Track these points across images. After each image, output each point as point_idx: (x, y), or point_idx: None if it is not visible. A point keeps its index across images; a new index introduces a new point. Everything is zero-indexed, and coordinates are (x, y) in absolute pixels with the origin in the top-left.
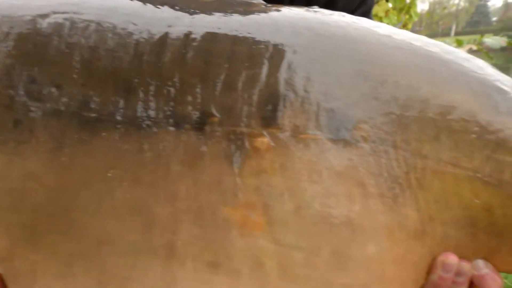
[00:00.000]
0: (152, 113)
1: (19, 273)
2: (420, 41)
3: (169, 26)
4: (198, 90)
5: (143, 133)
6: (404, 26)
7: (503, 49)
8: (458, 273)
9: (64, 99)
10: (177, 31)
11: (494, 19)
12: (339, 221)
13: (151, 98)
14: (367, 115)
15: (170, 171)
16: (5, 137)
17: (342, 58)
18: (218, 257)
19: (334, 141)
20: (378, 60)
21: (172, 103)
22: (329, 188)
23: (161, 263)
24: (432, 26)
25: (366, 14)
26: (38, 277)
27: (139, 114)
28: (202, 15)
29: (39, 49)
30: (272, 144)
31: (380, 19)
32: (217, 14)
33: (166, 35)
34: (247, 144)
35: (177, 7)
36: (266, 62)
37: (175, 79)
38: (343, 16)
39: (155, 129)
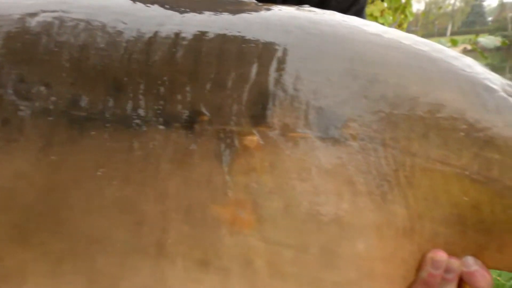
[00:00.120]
0: (141, 111)
1: (9, 272)
2: (410, 39)
3: (159, 24)
4: (187, 88)
5: (132, 131)
6: (400, 26)
7: (498, 48)
8: (448, 270)
9: (53, 98)
10: (167, 30)
11: (490, 19)
12: (328, 219)
13: (140, 96)
14: (356, 113)
15: (160, 170)
16: None
17: (332, 57)
18: (208, 255)
19: (323, 139)
20: (367, 58)
21: (161, 102)
22: (318, 186)
23: (151, 261)
24: (428, 26)
25: (359, 13)
26: (28, 276)
27: (128, 112)
28: (192, 14)
29: (28, 48)
30: (262, 142)
31: (376, 19)
32: (207, 13)
33: (156, 33)
34: (236, 142)
35: (167, 6)
36: (255, 60)
37: (165, 78)
38: (333, 14)
39: (144, 128)
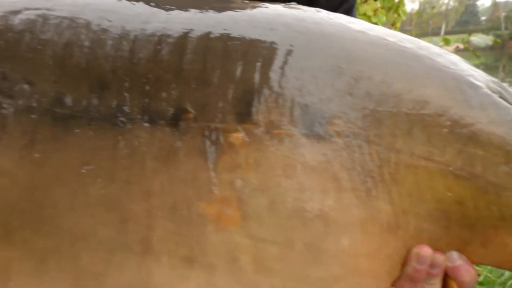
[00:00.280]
0: (126, 109)
1: None
2: (395, 37)
3: (144, 22)
4: (173, 86)
5: (117, 129)
6: (393, 25)
7: (491, 48)
8: (432, 265)
9: (36, 96)
10: (152, 28)
11: (483, 18)
12: (313, 215)
13: (125, 94)
14: (341, 110)
15: (145, 167)
16: None
17: (317, 54)
18: (194, 252)
19: (308, 136)
20: (352, 56)
21: (146, 100)
22: (303, 183)
23: (136, 259)
24: (423, 26)
25: (348, 11)
26: (12, 274)
27: (113, 110)
28: (177, 12)
29: (11, 45)
30: (247, 139)
31: (369, 18)
32: (193, 11)
33: (141, 31)
34: (221, 139)
35: (152, 4)
36: (241, 58)
37: (150, 76)
38: (319, 12)
39: (129, 126)
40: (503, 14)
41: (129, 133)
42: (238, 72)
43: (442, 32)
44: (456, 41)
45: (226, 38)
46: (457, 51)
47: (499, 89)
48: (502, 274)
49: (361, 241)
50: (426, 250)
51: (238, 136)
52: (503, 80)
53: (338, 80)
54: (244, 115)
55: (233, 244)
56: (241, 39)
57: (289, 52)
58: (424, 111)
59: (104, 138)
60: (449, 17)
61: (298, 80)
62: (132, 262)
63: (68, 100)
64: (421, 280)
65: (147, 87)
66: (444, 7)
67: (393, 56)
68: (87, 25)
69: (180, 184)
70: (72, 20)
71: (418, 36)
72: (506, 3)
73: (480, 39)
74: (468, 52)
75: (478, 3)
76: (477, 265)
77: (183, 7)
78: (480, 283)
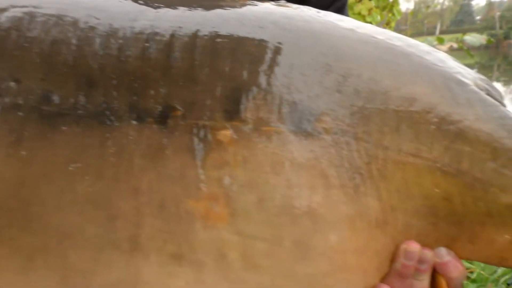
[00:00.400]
0: (114, 107)
1: None
2: (383, 34)
3: (133, 20)
4: (161, 83)
5: (105, 127)
6: (387, 24)
7: (486, 47)
8: (421, 261)
9: (23, 94)
10: (140, 25)
11: (478, 18)
12: (301, 211)
13: (113, 92)
14: (329, 107)
15: (133, 165)
16: None
17: (306, 52)
18: (182, 249)
19: (296, 133)
20: (341, 53)
21: (134, 97)
22: (291, 180)
23: (124, 256)
24: (418, 25)
25: (340, 10)
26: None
27: (101, 108)
28: (166, 9)
29: None
30: (235, 136)
31: (363, 17)
32: (182, 8)
33: (129, 29)
34: (210, 137)
35: (141, 1)
36: (229, 56)
37: (138, 73)
38: (308, 10)
39: (117, 123)
40: (498, 13)
41: (117, 131)
42: (227, 69)
43: (437, 31)
44: (451, 40)
45: (214, 36)
46: (452, 50)
47: (486, 86)
48: (495, 271)
49: (349, 237)
50: (414, 246)
51: (226, 133)
52: (497, 79)
53: (326, 77)
54: (232, 113)
55: (221, 241)
56: (230, 37)
57: (277, 50)
58: (412, 108)
59: (92, 135)
60: (444, 16)
61: (286, 78)
62: (120, 259)
63: (55, 98)
64: (410, 275)
65: (135, 85)
66: (439, 7)
67: (382, 54)
68: (75, 23)
69: (168, 181)
70: (59, 17)
71: (413, 35)
72: (500, 3)
73: (474, 39)
74: (462, 51)
75: (473, 2)
76: (469, 262)
77: (172, 5)
78: (473, 280)
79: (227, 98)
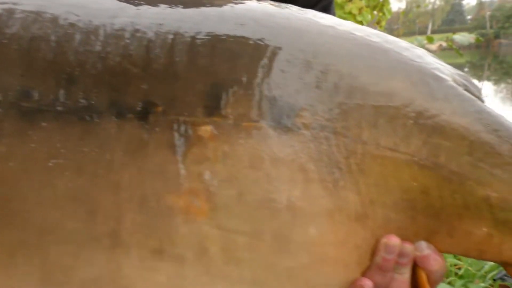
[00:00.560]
0: (94, 103)
1: None
2: (362, 31)
3: (113, 17)
4: (141, 80)
5: (85, 123)
6: (378, 24)
7: (477, 46)
8: (401, 255)
9: (2, 90)
10: (121, 22)
11: (469, 17)
12: (281, 205)
13: (93, 88)
14: (308, 103)
15: (114, 160)
16: None
17: (285, 48)
18: (163, 244)
19: (276, 128)
20: (320, 49)
21: (115, 93)
22: (271, 174)
23: (105, 251)
24: (410, 25)
25: (326, 8)
26: None
27: (81, 104)
28: (147, 7)
29: None
30: (215, 132)
31: (354, 17)
32: (162, 6)
33: (109, 26)
34: (190, 132)
35: None
36: (209, 52)
37: (118, 70)
38: (289, 7)
39: (97, 119)
40: (488, 13)
41: (97, 127)
42: (207, 66)
43: (429, 31)
44: (441, 39)
45: (195, 32)
46: (442, 50)
47: (464, 82)
48: (482, 267)
49: (328, 230)
50: (394, 240)
51: (207, 129)
52: (488, 78)
53: (305, 73)
54: (212, 108)
55: (202, 235)
56: (210, 34)
57: (257, 47)
58: (389, 103)
59: (72, 132)
60: (436, 16)
61: (266, 74)
62: (101, 255)
63: (35, 94)
64: (390, 269)
65: (115, 81)
66: (430, 6)
67: (360, 50)
68: (54, 19)
69: (149, 176)
70: (38, 14)
71: (405, 34)
72: (491, 3)
73: (463, 37)
74: (452, 50)
75: (464, 2)
76: (457, 258)
77: (153, 3)
78: (460, 276)
79: (207, 94)
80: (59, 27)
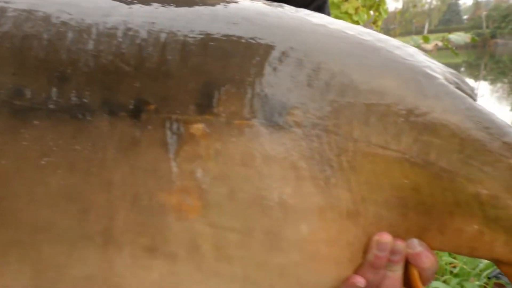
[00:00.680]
0: (86, 101)
1: None
2: (354, 30)
3: (105, 15)
4: (133, 78)
5: (77, 121)
6: (374, 23)
7: (474, 46)
8: (393, 252)
9: None
10: (113, 21)
11: (465, 17)
12: (272, 203)
13: (86, 86)
14: (300, 101)
15: (106, 158)
16: None
17: (277, 47)
18: (155, 241)
19: (268, 126)
20: (312, 48)
21: (107, 92)
22: (263, 172)
23: (98, 249)
24: (406, 25)
25: (321, 7)
26: None
27: (73, 102)
28: (139, 5)
29: None
30: (208, 130)
31: (350, 16)
32: (155, 5)
33: (102, 24)
34: (182, 130)
35: None
36: (202, 50)
37: (111, 68)
38: (282, 7)
39: (89, 117)
40: (484, 13)
41: (89, 125)
42: (199, 64)
43: (426, 30)
44: (437, 39)
45: (188, 31)
46: (438, 50)
47: (456, 80)
48: (477, 266)
49: (320, 228)
50: (386, 237)
51: (199, 127)
52: (484, 78)
53: (297, 72)
54: (204, 107)
55: (194, 232)
56: (203, 32)
57: (249, 45)
58: (380, 101)
59: (64, 129)
60: (432, 16)
61: (258, 72)
62: (94, 252)
63: (27, 92)
64: (383, 267)
65: (108, 80)
66: (427, 6)
67: (352, 48)
68: (47, 18)
69: (141, 174)
70: (30, 12)
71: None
72: (487, 2)
73: (458, 37)
74: (449, 50)
75: (460, 2)
76: (453, 257)
77: (145, 1)
78: (456, 275)
79: (199, 92)
80: (52, 26)
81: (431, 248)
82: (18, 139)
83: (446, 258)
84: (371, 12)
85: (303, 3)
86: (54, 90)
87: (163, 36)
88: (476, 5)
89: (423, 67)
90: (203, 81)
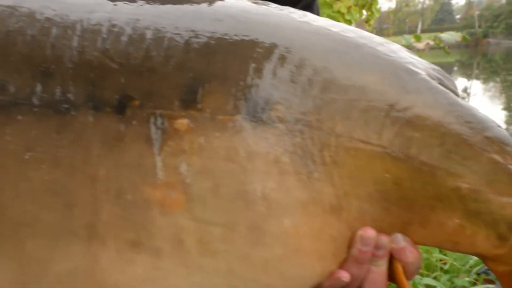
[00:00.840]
0: (70, 96)
1: None
2: (337, 27)
3: (90, 12)
4: (118, 74)
5: (61, 116)
6: (367, 22)
7: (466, 46)
8: (377, 247)
9: None
10: (97, 17)
11: (458, 17)
12: (255, 197)
13: (70, 82)
14: (283, 96)
15: (90, 153)
16: None
17: (261, 43)
18: (140, 236)
19: (251, 122)
20: (295, 44)
21: (91, 87)
22: (246, 167)
23: (82, 244)
24: (400, 24)
25: (310, 6)
26: None
27: (57, 97)
28: (124, 2)
29: None
30: (192, 125)
31: (343, 15)
32: (140, 2)
33: (86, 20)
34: (167, 125)
35: None
36: (186, 47)
37: (95, 63)
38: (266, 5)
39: (74, 113)
40: (477, 12)
41: (74, 120)
42: (184, 60)
43: (419, 30)
44: (430, 38)
45: (172, 28)
46: (431, 49)
47: (439, 76)
48: (467, 262)
49: (303, 222)
50: (370, 232)
51: (183, 122)
52: (477, 77)
53: (280, 68)
54: (189, 102)
55: (178, 227)
56: (187, 29)
57: (233, 42)
58: (362, 96)
59: (48, 125)
60: (425, 15)
61: (241, 68)
62: (78, 247)
63: (11, 87)
64: (367, 261)
65: (92, 75)
66: (420, 6)
67: (335, 45)
68: (31, 14)
69: (125, 169)
70: (14, 8)
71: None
72: (479, 2)
73: (449, 36)
74: (442, 50)
75: (453, 1)
76: (443, 253)
77: None
78: (446, 271)
79: (184, 88)
80: (36, 21)
81: (414, 242)
82: (2, 134)
83: (436, 254)
84: (364, 11)
85: (290, 2)
86: (38, 85)
87: (148, 32)
88: (469, 4)
89: (405, 63)
90: (187, 76)
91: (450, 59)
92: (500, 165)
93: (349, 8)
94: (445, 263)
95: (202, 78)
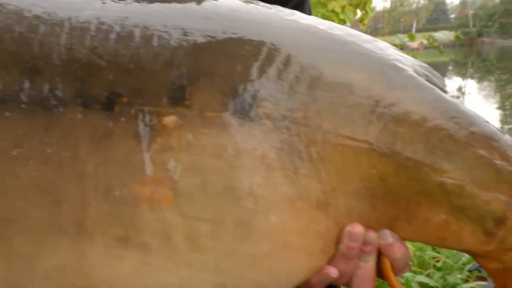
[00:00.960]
0: (59, 93)
1: None
2: (325, 25)
3: (78, 10)
4: (106, 71)
5: (49, 113)
6: (361, 22)
7: (461, 45)
8: (365, 243)
9: None
10: (86, 15)
11: (452, 16)
12: (243, 193)
13: (58, 79)
14: (270, 93)
15: (79, 150)
16: None
17: (249, 41)
18: (128, 232)
19: (239, 118)
20: (282, 42)
21: (80, 84)
22: (233, 163)
23: (70, 240)
24: (394, 24)
25: (301, 4)
26: None
27: (45, 94)
28: (112, 0)
29: None
30: (180, 122)
31: (337, 15)
32: (129, 0)
33: (74, 18)
34: (155, 122)
35: None
36: (174, 44)
37: (84, 61)
38: (255, 3)
39: (62, 109)
40: (471, 12)
41: (62, 117)
42: (172, 57)
43: (413, 29)
44: (424, 38)
45: (160, 26)
46: (425, 48)
47: (426, 72)
48: (460, 259)
49: (290, 218)
50: (358, 228)
51: (171, 118)
52: (471, 76)
53: (268, 65)
54: (177, 99)
55: (166, 223)
56: (176, 27)
57: (222, 40)
58: (348, 93)
59: (36, 121)
60: (420, 15)
61: (229, 66)
62: (66, 243)
63: None
64: (355, 257)
65: (81, 72)
66: (415, 5)
67: (322, 42)
68: (19, 11)
69: (114, 166)
70: (2, 6)
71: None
72: (473, 1)
73: (443, 35)
74: (436, 49)
75: (447, 1)
76: (436, 251)
77: None
78: (439, 269)
79: (172, 85)
80: (24, 19)
81: (402, 238)
82: None
83: (429, 252)
84: (358, 11)
85: (281, 2)
86: (26, 82)
87: (136, 30)
88: (463, 4)
89: (391, 60)
90: (175, 74)
91: (445, 58)
92: (486, 160)
93: (343, 7)
94: (438, 261)
95: (190, 75)
